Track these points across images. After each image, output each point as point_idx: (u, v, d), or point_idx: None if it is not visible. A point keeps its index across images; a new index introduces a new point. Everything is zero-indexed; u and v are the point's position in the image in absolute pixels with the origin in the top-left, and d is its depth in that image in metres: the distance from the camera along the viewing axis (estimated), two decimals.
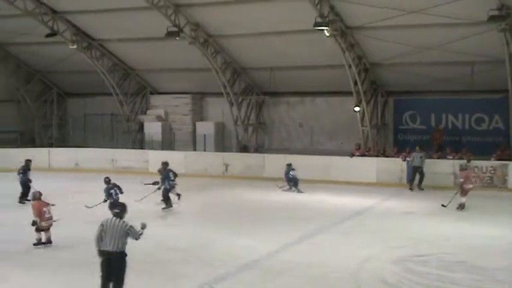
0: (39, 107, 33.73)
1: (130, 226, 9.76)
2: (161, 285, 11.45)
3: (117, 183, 18.81)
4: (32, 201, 14.57)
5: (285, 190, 22.81)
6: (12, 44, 30.71)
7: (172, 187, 19.36)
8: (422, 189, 23.02)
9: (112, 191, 17.83)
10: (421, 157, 23.16)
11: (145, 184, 19.44)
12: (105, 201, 17.75)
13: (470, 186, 19.01)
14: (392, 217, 18.22)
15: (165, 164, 20.04)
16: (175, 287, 11.35)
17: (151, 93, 32.08)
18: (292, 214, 18.60)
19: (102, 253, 9.67)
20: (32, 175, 21.14)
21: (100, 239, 9.67)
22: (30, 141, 32.99)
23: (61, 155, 29.62)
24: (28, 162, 20.80)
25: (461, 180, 19.08)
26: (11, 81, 32.46)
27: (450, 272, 12.07)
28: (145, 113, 31.79)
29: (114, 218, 9.81)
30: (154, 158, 28.26)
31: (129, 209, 10.19)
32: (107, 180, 18.28)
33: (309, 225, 16.76)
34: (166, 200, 19.14)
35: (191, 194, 22.39)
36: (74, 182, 23.76)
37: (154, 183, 19.45)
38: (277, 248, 14.20)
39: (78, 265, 12.60)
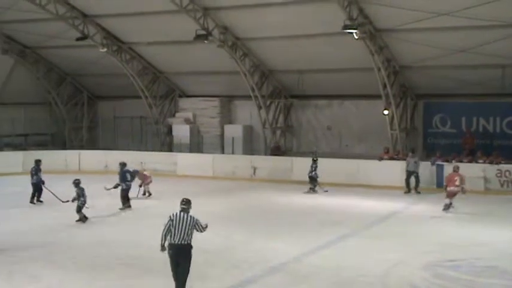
0: (70, 110, 34.10)
1: (197, 220, 10.42)
2: (188, 287, 11.47)
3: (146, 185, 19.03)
4: None
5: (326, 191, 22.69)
6: (44, 48, 31.10)
7: (128, 187, 19.74)
8: (419, 193, 22.98)
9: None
10: (415, 162, 23.22)
11: (108, 189, 19.54)
12: (117, 185, 19.43)
13: (453, 188, 18.90)
14: (420, 221, 18.06)
15: (122, 165, 20.19)
16: None
17: (180, 96, 32.24)
18: (320, 218, 18.53)
19: (170, 246, 10.29)
20: (64, 177, 21.46)
21: (168, 232, 10.28)
22: (61, 144, 33.37)
23: (91, 157, 29.91)
24: (38, 162, 21.00)
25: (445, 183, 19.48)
26: (42, 85, 32.89)
27: (481, 278, 11.92)
28: (173, 116, 31.96)
29: (182, 213, 10.41)
30: (182, 161, 28.48)
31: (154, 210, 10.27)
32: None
33: (337, 229, 16.69)
34: (124, 200, 19.58)
35: (219, 197, 22.48)
36: (103, 184, 23.89)
37: (115, 186, 19.73)
38: (305, 251, 14.17)
39: (107, 265, 12.72)
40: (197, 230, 10.43)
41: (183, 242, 10.25)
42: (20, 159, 27.51)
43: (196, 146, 30.87)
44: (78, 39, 27.27)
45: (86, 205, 17.35)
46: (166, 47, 28.74)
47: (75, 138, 34.05)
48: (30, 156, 27.77)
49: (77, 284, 11.70)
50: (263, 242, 15.03)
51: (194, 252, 13.61)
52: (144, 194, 22.38)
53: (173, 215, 10.39)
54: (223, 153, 30.22)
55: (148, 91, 30.94)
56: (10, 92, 31.74)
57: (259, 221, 18.08)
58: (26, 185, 21.35)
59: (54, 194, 19.71)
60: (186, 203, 10.59)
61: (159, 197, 22.38)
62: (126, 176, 19.71)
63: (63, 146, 32.80)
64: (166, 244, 10.37)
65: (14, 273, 12.25)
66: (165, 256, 12.93)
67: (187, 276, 10.36)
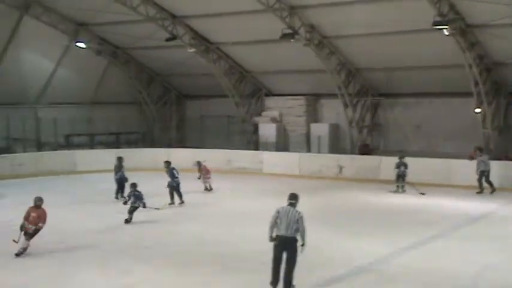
0: (160, 109, 34.94)
1: (302, 216, 10.73)
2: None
3: (233, 183, 19.16)
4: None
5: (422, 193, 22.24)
6: (135, 49, 32.01)
7: (178, 184, 20.05)
8: (493, 192, 22.21)
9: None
10: (483, 161, 22.35)
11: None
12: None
13: None
14: None
15: (168, 163, 20.61)
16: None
17: (266, 95, 32.41)
18: (407, 218, 18.18)
19: (276, 238, 10.68)
20: (153, 175, 21.98)
21: (275, 225, 10.72)
22: (150, 142, 34.24)
23: (179, 156, 30.44)
24: (120, 159, 21.60)
25: None
26: (134, 84, 33.85)
27: None
28: (260, 115, 32.16)
29: (289, 207, 10.83)
30: (268, 159, 28.59)
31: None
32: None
33: (426, 230, 16.31)
34: (174, 195, 19.96)
35: (305, 196, 22.35)
36: (192, 182, 24.37)
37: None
38: (393, 252, 13.93)
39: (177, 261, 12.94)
40: (299, 227, 10.64)
41: (288, 235, 10.54)
42: (112, 157, 28.38)
43: (282, 144, 30.95)
44: (167, 39, 27.85)
45: (156, 206, 17.69)
46: (253, 46, 28.95)
47: (164, 137, 34.85)
48: (122, 154, 28.76)
49: (165, 279, 11.96)
50: (348, 241, 14.88)
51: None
52: (206, 189, 22.89)
53: (281, 208, 10.81)
54: (309, 151, 30.15)
55: (235, 90, 31.28)
56: (104, 91, 32.89)
57: (344, 220, 17.91)
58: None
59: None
60: (294, 198, 11.02)
61: (246, 195, 22.59)
62: (174, 173, 20.20)
63: (153, 144, 33.62)
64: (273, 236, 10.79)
65: (107, 268, 12.68)
66: (251, 253, 13.06)
67: (294, 267, 10.58)
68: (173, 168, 20.34)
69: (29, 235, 13.37)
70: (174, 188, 20.06)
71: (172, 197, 20.00)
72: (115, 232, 16.09)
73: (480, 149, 23.27)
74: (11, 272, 12.31)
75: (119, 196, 20.88)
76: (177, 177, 20.17)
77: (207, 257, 13.54)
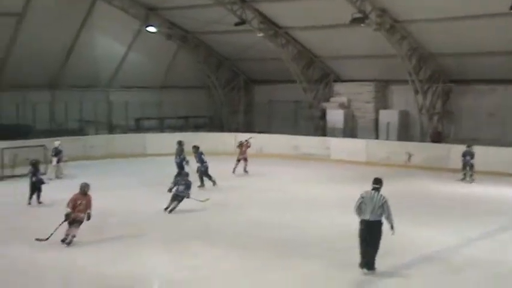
0: (228, 94, 35.14)
1: (386, 201, 10.94)
2: (337, 273, 11.45)
3: (299, 169, 19.12)
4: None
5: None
6: (204, 33, 32.22)
7: (206, 168, 20.43)
8: None
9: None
10: None
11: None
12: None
13: None
14: None
15: (196, 148, 20.90)
16: (354, 273, 11.27)
17: (335, 81, 32.09)
18: (476, 207, 17.77)
19: (361, 222, 11.00)
20: (220, 159, 22.16)
21: (360, 209, 11.01)
22: (218, 126, 34.52)
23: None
24: (181, 143, 21.86)
25: None
26: (202, 69, 34.15)
27: None
28: (328, 100, 31.90)
29: (373, 191, 11.07)
30: (335, 145, 28.37)
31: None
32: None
33: (495, 221, 15.90)
34: (204, 178, 20.34)
35: (371, 183, 22.14)
36: (257, 166, 24.47)
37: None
38: (459, 241, 13.67)
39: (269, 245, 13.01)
40: (383, 212, 10.87)
41: (373, 219, 10.85)
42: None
43: (350, 131, 30.63)
44: (236, 24, 27.90)
45: (201, 199, 17.25)
46: (322, 31, 28.66)
47: (231, 121, 35.07)
48: (190, 138, 29.11)
49: (230, 263, 12.08)
50: (415, 230, 14.62)
51: (346, 237, 13.61)
52: (245, 171, 23.20)
53: (365, 193, 11.06)
54: (377, 138, 29.72)
55: (303, 75, 31.11)
56: (173, 76, 33.33)
57: (411, 208, 17.56)
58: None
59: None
60: (378, 183, 11.18)
61: (312, 181, 22.51)
62: (202, 158, 20.56)
63: (221, 129, 33.88)
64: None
65: (173, 250, 12.91)
66: (315, 238, 13.02)
67: (376, 251, 10.94)
68: (201, 153, 20.71)
69: (79, 223, 12.98)
70: (203, 172, 20.42)
71: (202, 181, 20.35)
72: (182, 215, 16.31)
73: None
74: (81, 251, 12.65)
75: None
76: (205, 162, 20.54)
77: (271, 242, 13.59)
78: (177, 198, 16.56)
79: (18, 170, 21.64)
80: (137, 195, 19.32)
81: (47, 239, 12.88)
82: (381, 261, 11.67)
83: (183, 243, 13.48)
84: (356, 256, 11.23)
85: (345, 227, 14.69)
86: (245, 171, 23.36)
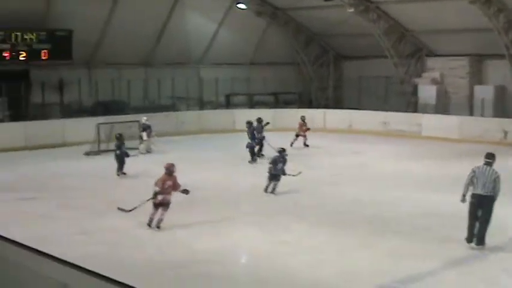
0: (317, 70, 34.92)
1: (499, 176, 11.04)
2: (431, 250, 11.30)
3: (389, 146, 18.74)
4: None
5: None
6: (294, 9, 32.08)
7: (253, 145, 20.96)
8: None
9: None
10: None
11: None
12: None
13: None
14: None
15: (249, 123, 21.46)
16: (445, 252, 11.09)
17: (427, 56, 31.26)
18: None
19: (472, 195, 11.12)
20: (308, 135, 22.17)
21: (471, 183, 11.14)
22: (307, 103, 34.44)
23: (335, 116, 30.47)
24: (260, 120, 21.93)
25: None
26: (292, 45, 34.09)
27: None
28: (420, 76, 31.15)
29: (485, 166, 11.17)
30: (427, 122, 27.75)
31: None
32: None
33: None
34: (252, 155, 20.87)
35: (464, 160, 21.56)
36: (346, 143, 24.34)
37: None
38: None
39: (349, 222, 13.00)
40: (494, 187, 10.88)
41: (485, 193, 10.90)
42: (270, 117, 28.96)
43: (442, 107, 29.84)
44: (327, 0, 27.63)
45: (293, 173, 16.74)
46: (415, 4, 27.94)
47: (321, 97, 34.90)
48: (280, 113, 29.27)
49: (321, 239, 12.16)
50: (504, 209, 14.14)
51: (438, 215, 13.39)
52: (306, 145, 23.52)
53: (477, 167, 11.17)
54: (471, 115, 28.82)
55: (394, 50, 30.49)
56: (262, 52, 33.45)
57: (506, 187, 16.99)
58: (277, 141, 22.53)
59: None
60: (490, 157, 11.28)
61: (403, 158, 22.18)
62: (254, 134, 20.93)
63: (310, 105, 33.80)
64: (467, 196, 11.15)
65: (266, 225, 13.09)
66: (407, 216, 12.89)
67: (487, 226, 10.97)
68: (254, 129, 20.96)
69: (166, 206, 12.56)
70: (253, 147, 20.82)
71: (253, 155, 20.72)
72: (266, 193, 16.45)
73: None
74: (172, 225, 12.99)
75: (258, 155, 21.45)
76: (256, 138, 20.82)
77: (363, 219, 13.55)
78: (277, 177, 16.06)
79: (113, 145, 22.44)
80: (227, 170, 19.65)
81: (130, 210, 12.96)
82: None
83: (273, 218, 13.65)
84: (450, 233, 11.05)
85: (437, 205, 14.48)
86: (305, 145, 23.80)
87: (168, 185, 12.57)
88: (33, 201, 15.37)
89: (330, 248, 11.57)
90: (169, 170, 12.73)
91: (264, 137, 21.42)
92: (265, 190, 15.94)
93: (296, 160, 20.61)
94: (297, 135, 23.93)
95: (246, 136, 21.30)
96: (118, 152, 18.54)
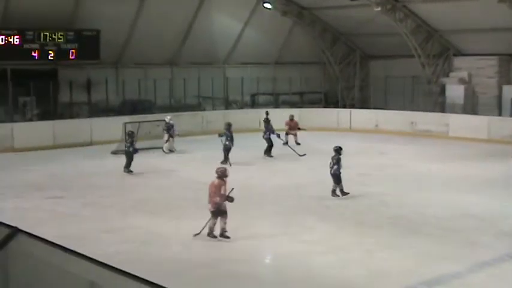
0: (343, 69, 34.77)
1: None
2: (458, 252, 11.18)
3: (417, 146, 18.59)
4: None
5: None
6: (320, 9, 31.98)
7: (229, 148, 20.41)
8: None
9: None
10: None
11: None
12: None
13: None
14: None
15: (266, 120, 22.16)
16: (472, 254, 10.98)
17: (455, 55, 30.95)
18: None
19: None
20: (335, 135, 22.11)
21: None
22: (333, 102, 34.32)
23: (362, 116, 30.32)
24: (267, 114, 22.80)
25: None
26: (317, 44, 33.99)
27: None
28: (447, 76, 30.87)
29: None
30: (455, 122, 27.48)
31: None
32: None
33: None
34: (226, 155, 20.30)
35: (492, 161, 21.35)
36: (373, 143, 24.20)
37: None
38: None
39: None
40: None
41: None
42: (295, 116, 28.92)
43: (470, 107, 29.53)
44: None
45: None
46: (442, 3, 27.67)
47: (347, 97, 34.74)
48: (306, 113, 29.19)
49: (346, 238, 12.10)
50: None
51: (461, 216, 13.27)
52: (297, 143, 23.61)
53: None
54: (500, 115, 28.48)
55: (421, 50, 30.24)
56: (288, 52, 33.40)
57: None
58: (302, 140, 22.54)
59: (291, 148, 21.76)
60: None
61: (430, 158, 21.98)
62: (232, 136, 20.51)
63: (336, 105, 33.67)
64: None
65: (291, 225, 13.09)
66: (432, 217, 12.76)
67: None
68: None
69: (225, 213, 11.92)
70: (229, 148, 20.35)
71: (227, 157, 20.18)
72: (299, 189, 16.45)
73: None
74: (202, 223, 13.04)
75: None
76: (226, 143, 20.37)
77: (386, 219, 13.47)
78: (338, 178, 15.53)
79: (140, 144, 22.61)
80: (255, 169, 19.66)
81: (199, 233, 12.02)
82: (497, 242, 11.28)
83: (300, 217, 13.62)
84: (478, 236, 10.87)
85: (466, 206, 14.34)
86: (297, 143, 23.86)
87: (223, 190, 11.88)
88: (61, 200, 15.54)
89: (356, 249, 11.51)
90: (224, 175, 12.07)
91: (274, 134, 21.61)
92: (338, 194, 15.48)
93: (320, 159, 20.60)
94: (287, 133, 23.94)
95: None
96: (130, 148, 18.83)
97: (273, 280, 10.29)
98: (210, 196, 11.91)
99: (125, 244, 11.77)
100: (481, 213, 13.69)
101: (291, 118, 24.64)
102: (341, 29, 33.69)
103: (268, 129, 22.02)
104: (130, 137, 19.10)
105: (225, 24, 31.23)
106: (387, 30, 30.10)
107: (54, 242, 4.14)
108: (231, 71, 32.10)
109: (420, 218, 13.56)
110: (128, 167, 18.82)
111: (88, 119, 26.39)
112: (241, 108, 31.64)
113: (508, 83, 29.18)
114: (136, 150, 18.91)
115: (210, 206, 11.90)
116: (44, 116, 25.91)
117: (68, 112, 27.11)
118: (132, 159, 18.82)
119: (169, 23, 28.75)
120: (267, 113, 23.40)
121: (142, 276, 3.47)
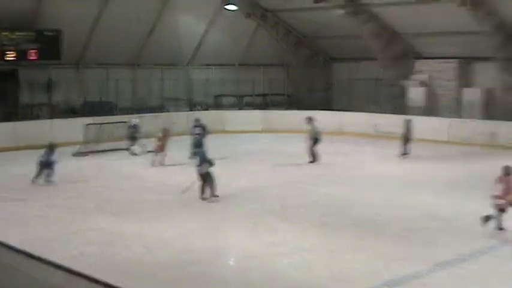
0: (306, 72, 34.94)
1: None
2: (420, 253, 11.33)
3: (379, 148, 18.76)
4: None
5: None
6: (283, 11, 32.08)
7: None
8: None
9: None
10: None
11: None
12: None
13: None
14: None
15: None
16: (434, 254, 11.13)
17: (416, 58, 31.37)
18: None
19: None
20: (298, 136, 22.18)
21: None
22: (296, 104, 34.44)
23: (325, 118, 30.40)
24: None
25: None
26: (281, 47, 34.09)
27: None
28: (408, 78, 31.25)
29: None
30: (416, 124, 27.79)
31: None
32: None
33: None
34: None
35: (451, 162, 21.71)
36: (337, 144, 24.37)
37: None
38: None
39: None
40: None
41: None
42: (258, 118, 29.00)
43: (430, 109, 29.95)
44: (316, 1, 27.62)
45: None
46: (403, 7, 28.03)
47: (310, 99, 34.89)
48: (269, 115, 29.27)
49: (309, 240, 12.14)
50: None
51: (426, 217, 13.43)
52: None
53: None
54: (460, 117, 28.95)
55: (383, 53, 30.56)
56: (252, 54, 33.46)
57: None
58: (266, 142, 22.47)
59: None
60: None
61: (391, 160, 22.23)
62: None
63: (299, 107, 33.81)
64: None
65: (257, 226, 13.10)
66: (394, 218, 12.89)
67: None
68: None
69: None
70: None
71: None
72: (263, 191, 16.48)
73: None
74: (168, 225, 13.01)
75: None
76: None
77: (349, 221, 13.55)
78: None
79: (102, 146, 22.38)
80: (219, 171, 19.60)
81: None
82: (454, 242, 11.43)
83: (264, 219, 13.63)
84: (438, 236, 11.02)
85: (426, 207, 14.53)
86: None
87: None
88: (23, 202, 15.29)
89: (319, 250, 11.57)
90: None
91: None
92: None
93: (283, 160, 20.67)
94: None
95: (234, 138, 21.40)
96: (44, 159, 17.42)
97: (236, 282, 10.28)
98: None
99: (89, 246, 11.65)
100: (442, 214, 13.89)
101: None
102: (304, 32, 33.87)
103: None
104: (50, 148, 17.68)
105: (189, 26, 31.13)
106: (350, 33, 30.36)
107: (16, 246, 4.08)
108: (195, 72, 32.01)
109: (383, 219, 13.69)
110: (37, 177, 17.34)
111: (49, 120, 26.01)
112: (206, 109, 31.56)
113: (467, 85, 29.69)
114: (53, 162, 17.40)
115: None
116: (5, 117, 25.46)
117: (29, 113, 26.70)
118: (43, 170, 17.38)
119: (133, 23, 28.54)
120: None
121: (106, 279, 3.44)
